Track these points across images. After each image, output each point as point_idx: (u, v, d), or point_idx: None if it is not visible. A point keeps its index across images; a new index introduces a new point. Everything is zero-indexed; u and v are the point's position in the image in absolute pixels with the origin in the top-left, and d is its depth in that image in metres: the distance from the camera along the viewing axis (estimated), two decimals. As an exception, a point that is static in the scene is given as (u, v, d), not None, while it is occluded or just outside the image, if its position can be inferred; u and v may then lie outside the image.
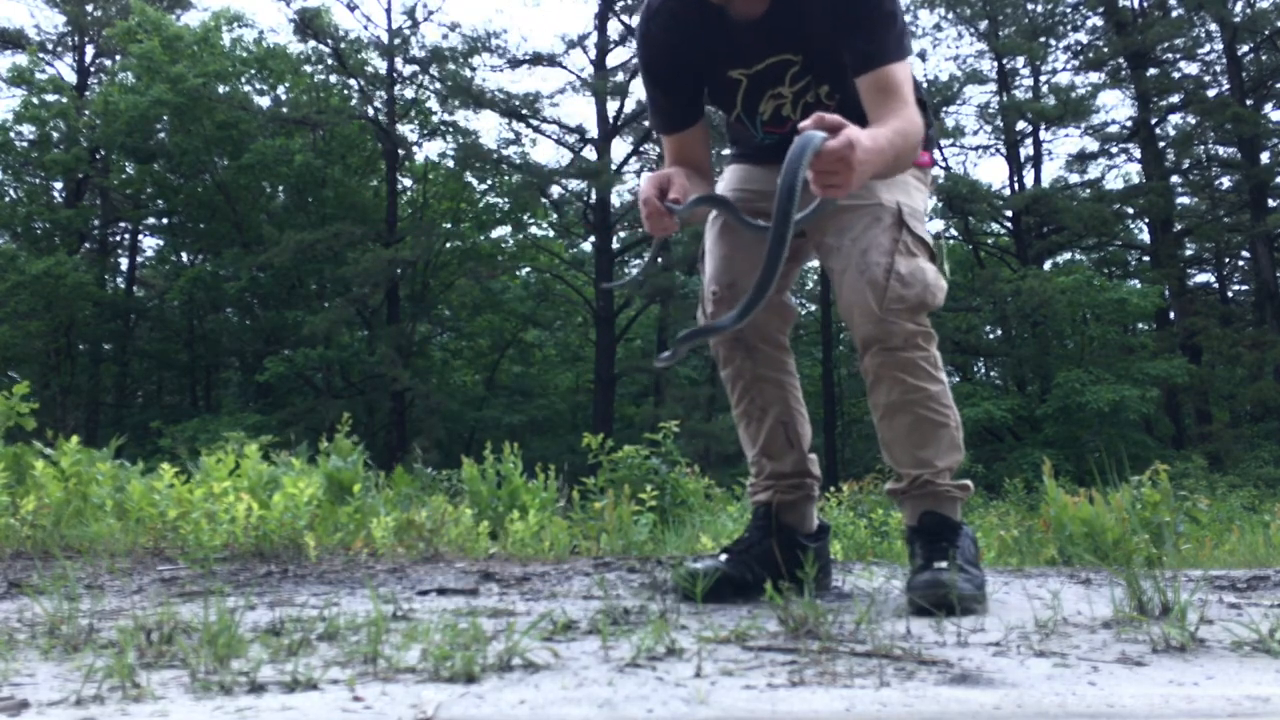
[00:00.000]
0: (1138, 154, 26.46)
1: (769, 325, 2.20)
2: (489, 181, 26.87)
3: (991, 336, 26.10)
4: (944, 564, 1.93)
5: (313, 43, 24.67)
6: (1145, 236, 27.58)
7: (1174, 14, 25.17)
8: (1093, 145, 27.40)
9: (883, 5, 1.91)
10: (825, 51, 2.01)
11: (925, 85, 26.41)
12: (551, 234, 28.83)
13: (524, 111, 24.84)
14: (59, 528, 3.43)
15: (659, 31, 2.11)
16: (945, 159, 27.63)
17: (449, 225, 26.36)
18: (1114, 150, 27.32)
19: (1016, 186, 26.46)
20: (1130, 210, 25.90)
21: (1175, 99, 25.67)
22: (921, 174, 2.18)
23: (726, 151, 2.43)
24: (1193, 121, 25.83)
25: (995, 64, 26.65)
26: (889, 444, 2.10)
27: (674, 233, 1.96)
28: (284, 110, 25.55)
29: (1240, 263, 28.35)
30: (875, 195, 2.07)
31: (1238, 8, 24.08)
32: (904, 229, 2.05)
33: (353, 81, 25.49)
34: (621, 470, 5.67)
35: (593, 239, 25.07)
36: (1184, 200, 27.62)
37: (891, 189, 2.09)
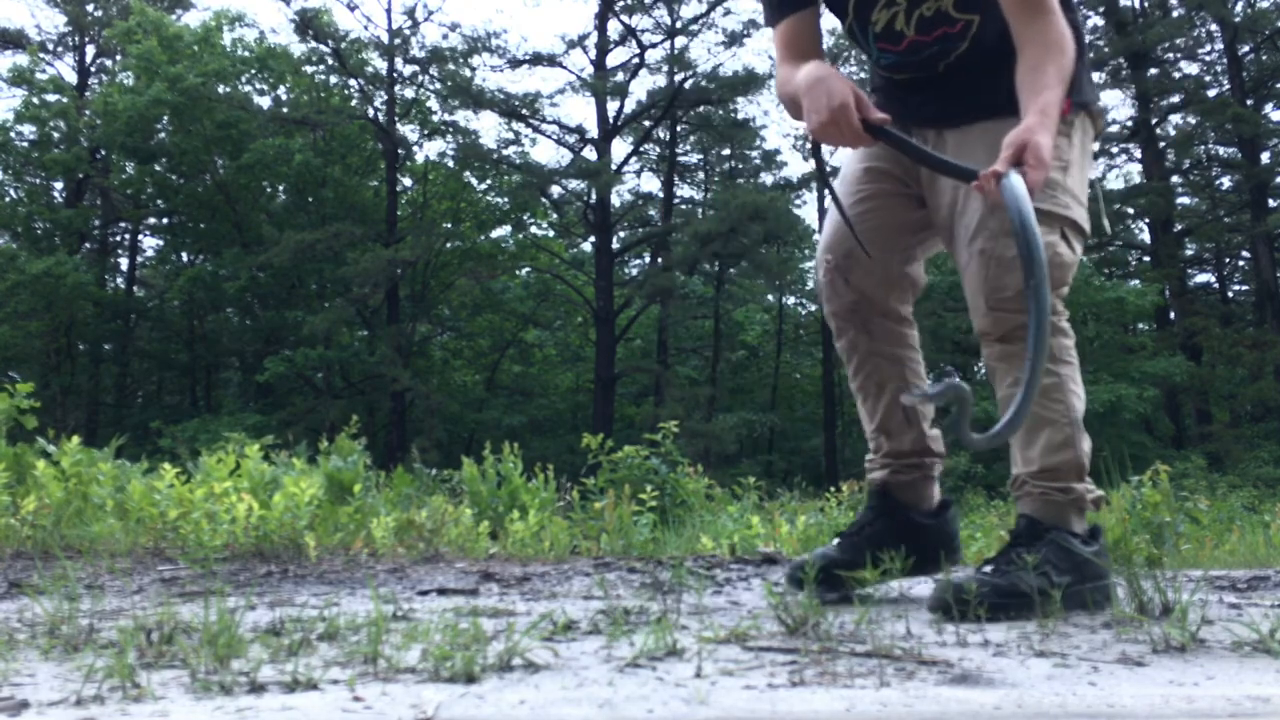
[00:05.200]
0: (1138, 154, 26.46)
1: (889, 298, 2.07)
2: (489, 181, 26.89)
3: (992, 336, 26.04)
4: (989, 569, 1.85)
5: (313, 43, 24.68)
6: (1145, 236, 27.60)
7: (1174, 14, 25.18)
8: (1093, 145, 27.37)
9: None
10: None
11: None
12: (551, 234, 28.85)
13: (524, 111, 24.86)
14: (59, 528, 3.43)
15: None
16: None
17: (449, 225, 26.37)
18: (1114, 150, 27.32)
19: (1017, 186, 26.42)
20: (1130, 210, 25.89)
21: (1175, 99, 25.68)
22: (1063, 126, 1.90)
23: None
24: (1193, 121, 25.83)
25: (995, 64, 26.60)
26: (1009, 443, 1.97)
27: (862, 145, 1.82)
28: (284, 110, 25.56)
29: (1240, 263, 28.35)
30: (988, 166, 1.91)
31: (1238, 8, 24.09)
32: None
33: (353, 81, 25.50)
34: (621, 470, 5.67)
35: (593, 239, 25.07)
36: (1184, 200, 27.63)
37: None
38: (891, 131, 1.81)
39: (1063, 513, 1.93)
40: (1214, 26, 24.74)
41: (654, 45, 25.42)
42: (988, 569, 1.86)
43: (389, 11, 26.09)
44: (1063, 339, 1.94)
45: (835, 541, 2.05)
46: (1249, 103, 24.17)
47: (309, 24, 23.83)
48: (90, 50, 28.28)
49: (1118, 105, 26.38)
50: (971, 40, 1.95)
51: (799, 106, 1.85)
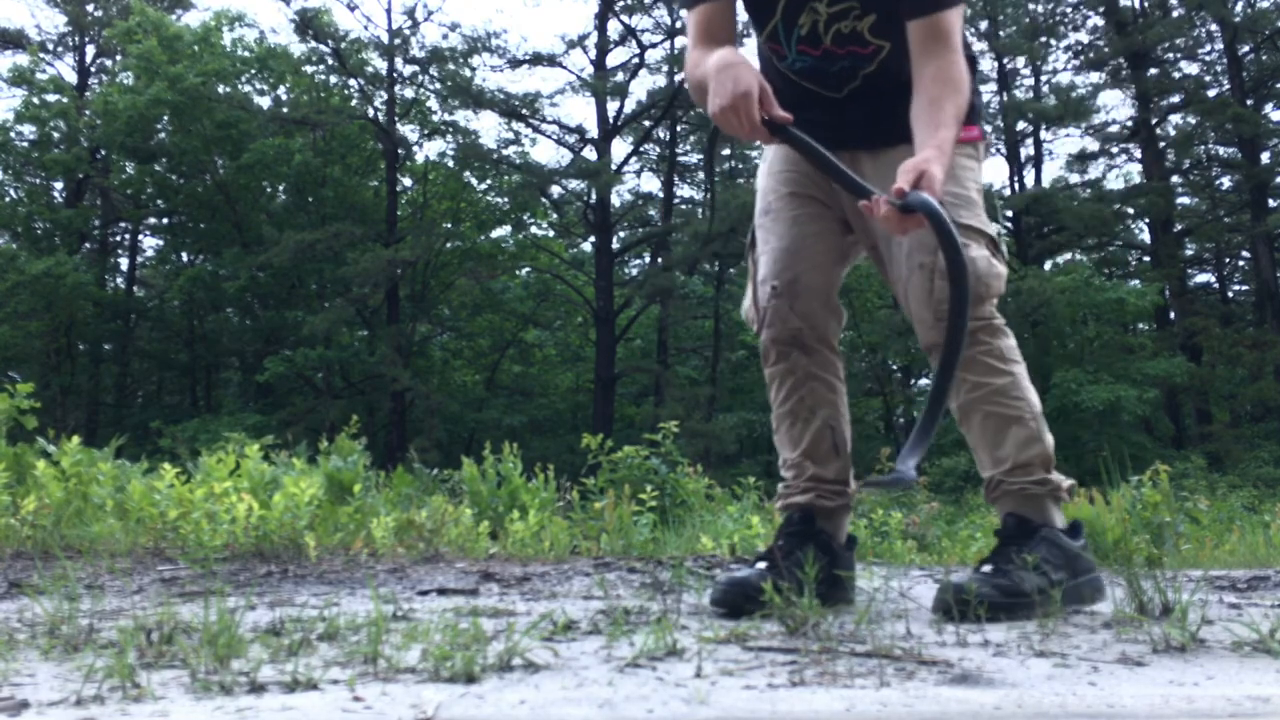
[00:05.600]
0: (1138, 154, 26.46)
1: (827, 327, 2.09)
2: (489, 181, 26.88)
3: (992, 336, 26.04)
4: (988, 568, 1.86)
5: (313, 43, 24.68)
6: (1145, 236, 27.61)
7: (1174, 14, 25.18)
8: (1093, 145, 27.43)
9: None
10: None
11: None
12: (551, 234, 28.85)
13: (524, 111, 24.85)
14: (59, 528, 3.43)
15: None
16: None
17: (449, 225, 26.35)
18: (1114, 150, 27.35)
19: (1017, 186, 26.49)
20: (1130, 210, 25.90)
21: (1175, 99, 25.68)
22: (973, 149, 2.08)
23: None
24: (1193, 121, 25.84)
25: (996, 64, 26.64)
26: (971, 447, 2.04)
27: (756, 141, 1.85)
28: (284, 110, 25.55)
29: (1240, 263, 28.36)
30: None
31: (1238, 8, 24.08)
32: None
33: (353, 81, 25.49)
34: (621, 470, 5.67)
35: (593, 239, 25.07)
36: (1184, 200, 27.63)
37: None
38: (791, 131, 1.81)
39: (1043, 506, 1.98)
40: (1214, 26, 24.75)
41: (654, 45, 25.42)
42: (986, 569, 1.87)
43: (389, 11, 26.10)
44: (1006, 340, 2.01)
45: (762, 566, 1.94)
46: (1249, 103, 24.17)
47: (309, 24, 23.82)
48: (90, 50, 28.27)
49: (1118, 105, 26.41)
50: (879, 65, 2.01)
51: (705, 92, 1.85)
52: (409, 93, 25.88)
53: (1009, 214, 25.75)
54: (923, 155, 1.75)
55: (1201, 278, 29.35)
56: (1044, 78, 27.18)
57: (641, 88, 25.95)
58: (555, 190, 25.80)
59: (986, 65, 26.92)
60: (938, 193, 1.71)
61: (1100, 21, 26.18)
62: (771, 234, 2.09)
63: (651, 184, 29.06)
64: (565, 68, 25.11)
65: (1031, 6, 26.43)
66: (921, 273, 1.94)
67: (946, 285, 1.87)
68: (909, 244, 1.95)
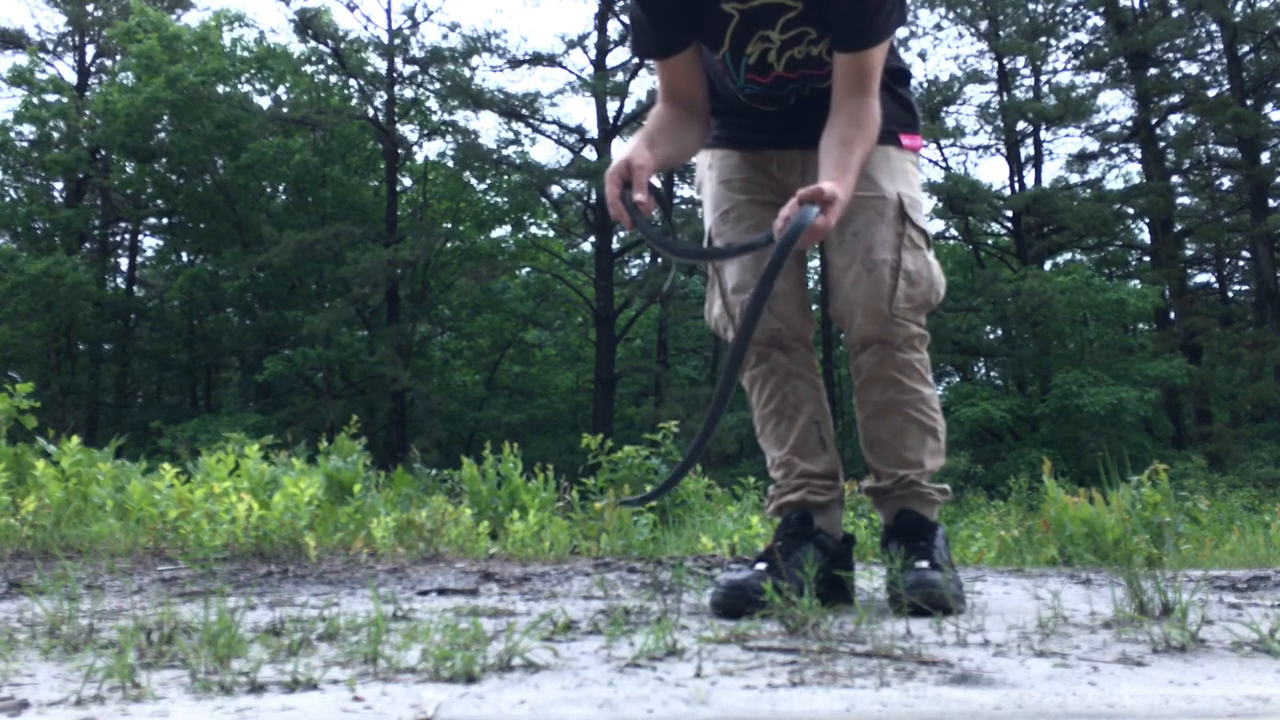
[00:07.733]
0: (1138, 154, 26.46)
1: (803, 325, 2.11)
2: (489, 181, 26.88)
3: (991, 336, 26.11)
4: (925, 563, 1.92)
5: (313, 43, 24.68)
6: (1145, 236, 27.61)
7: (1174, 14, 25.17)
8: (1093, 145, 27.43)
9: None
10: (827, 4, 1.90)
11: (926, 84, 26.55)
12: (551, 234, 28.84)
13: (524, 111, 24.84)
14: (59, 528, 3.43)
15: None
16: (945, 159, 27.66)
17: (449, 225, 26.35)
18: (1114, 150, 27.34)
19: (1017, 186, 26.47)
20: (1130, 210, 25.90)
21: (1175, 99, 25.68)
22: (915, 158, 2.16)
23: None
24: (1193, 121, 25.83)
25: (995, 64, 26.65)
26: (875, 443, 2.08)
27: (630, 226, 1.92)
28: (284, 110, 25.56)
29: (1240, 263, 28.37)
30: (878, 186, 2.02)
31: (1238, 8, 24.08)
32: (907, 222, 2.01)
33: (353, 81, 25.49)
34: (621, 470, 5.67)
35: (593, 239, 25.07)
36: (1184, 200, 27.63)
37: (893, 178, 2.04)
38: (637, 214, 1.88)
39: (936, 511, 2.10)
40: (1214, 26, 24.74)
41: (654, 45, 25.33)
42: (923, 564, 1.93)
43: (389, 11, 26.12)
44: (927, 353, 2.09)
45: (761, 567, 1.93)
46: (1249, 103, 24.16)
47: (309, 24, 23.81)
48: (90, 50, 28.29)
49: (1118, 105, 26.41)
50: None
51: None
52: (409, 93, 25.90)
53: (1009, 214, 25.77)
54: (830, 184, 1.78)
55: (1201, 278, 29.40)
56: (1044, 78, 27.18)
57: (641, 88, 25.87)
58: (555, 190, 25.80)
59: (986, 65, 26.93)
60: (833, 223, 1.77)
61: (1100, 21, 26.18)
62: (736, 242, 2.12)
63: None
64: (565, 68, 25.11)
65: (1031, 6, 26.42)
66: (883, 268, 1.99)
67: (909, 285, 1.97)
68: (871, 239, 2.00)
